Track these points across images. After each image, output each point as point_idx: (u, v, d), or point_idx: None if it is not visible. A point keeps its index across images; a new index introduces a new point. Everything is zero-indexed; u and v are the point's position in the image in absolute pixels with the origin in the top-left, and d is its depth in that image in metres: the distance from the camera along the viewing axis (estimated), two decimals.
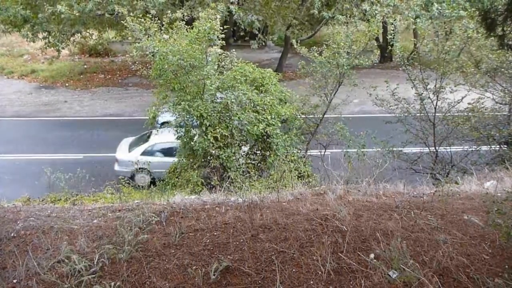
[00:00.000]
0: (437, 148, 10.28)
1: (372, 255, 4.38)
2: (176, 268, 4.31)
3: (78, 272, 4.15)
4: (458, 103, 10.23)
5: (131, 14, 11.17)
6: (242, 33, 25.19)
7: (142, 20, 9.36)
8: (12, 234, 4.92)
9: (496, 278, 3.99)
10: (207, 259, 4.41)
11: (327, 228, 4.90)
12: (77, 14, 16.07)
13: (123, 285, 4.07)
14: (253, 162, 9.61)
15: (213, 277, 4.14)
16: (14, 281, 4.12)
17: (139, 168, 11.54)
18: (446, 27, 11.16)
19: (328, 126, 11.20)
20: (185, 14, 11.42)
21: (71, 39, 20.95)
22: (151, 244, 4.66)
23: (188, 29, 9.39)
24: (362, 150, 10.41)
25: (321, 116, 11.10)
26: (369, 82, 11.21)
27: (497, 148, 10.18)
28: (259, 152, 9.94)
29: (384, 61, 25.39)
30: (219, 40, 9.09)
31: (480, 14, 8.67)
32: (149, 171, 11.36)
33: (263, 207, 5.55)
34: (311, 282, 4.09)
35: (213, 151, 8.89)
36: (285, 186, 7.22)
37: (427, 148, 10.43)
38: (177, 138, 9.78)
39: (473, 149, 10.11)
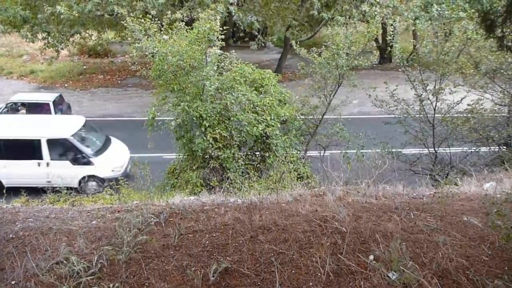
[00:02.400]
0: (436, 149, 10.28)
1: (371, 257, 4.37)
2: (175, 269, 4.30)
3: (76, 274, 4.14)
4: (458, 104, 10.24)
5: (131, 14, 11.17)
6: (241, 34, 25.20)
7: (142, 20, 9.35)
8: (10, 235, 4.91)
9: (495, 279, 3.98)
10: (206, 261, 4.40)
11: (326, 230, 4.89)
12: (76, 14, 16.07)
13: (122, 286, 4.06)
14: (252, 163, 9.60)
15: (212, 278, 4.13)
16: (13, 282, 4.11)
17: None
18: (445, 28, 11.16)
19: (328, 127, 11.20)
20: (185, 14, 11.42)
21: (71, 39, 20.92)
22: (150, 245, 4.65)
23: (187, 30, 9.38)
24: (361, 151, 10.41)
25: (320, 117, 11.09)
26: (369, 83, 11.20)
27: (497, 149, 10.19)
28: (258, 153, 9.93)
29: (383, 62, 25.40)
30: (218, 41, 9.08)
31: (480, 15, 8.67)
32: None
33: (263, 208, 5.54)
34: (311, 283, 4.09)
35: (213, 152, 8.88)
36: (285, 187, 7.21)
37: (426, 149, 10.44)
38: (177, 139, 9.76)
39: (473, 150, 10.11)
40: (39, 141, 11.40)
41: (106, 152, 12.21)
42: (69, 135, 11.72)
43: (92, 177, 11.58)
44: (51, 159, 11.48)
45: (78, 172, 11.49)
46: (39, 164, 11.22)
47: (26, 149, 11.36)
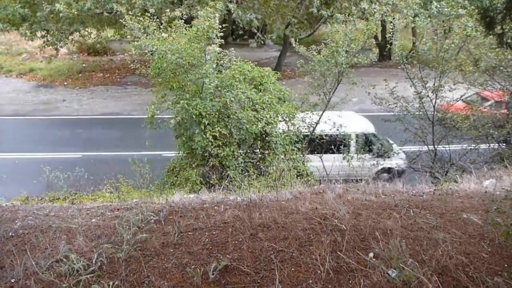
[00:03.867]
0: (436, 146, 10.28)
1: (371, 254, 4.37)
2: (175, 267, 4.30)
3: (76, 272, 4.13)
4: (457, 101, 10.24)
5: (130, 12, 11.17)
6: (241, 32, 25.21)
7: (141, 18, 9.33)
8: (10, 233, 4.91)
9: (495, 277, 3.98)
10: (206, 258, 4.40)
11: (326, 227, 4.89)
12: (75, 12, 16.04)
13: (122, 284, 4.06)
14: (252, 160, 9.60)
15: (212, 276, 4.13)
16: (12, 280, 4.11)
17: None
18: (445, 25, 11.17)
19: None
20: (184, 12, 11.41)
21: (70, 37, 20.92)
22: (150, 243, 4.65)
23: (187, 28, 9.37)
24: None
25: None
26: (368, 80, 11.19)
27: (496, 147, 10.19)
28: (258, 150, 9.93)
29: (383, 59, 25.39)
30: (218, 38, 9.06)
31: (479, 12, 8.64)
32: None
33: (262, 206, 5.54)
34: (310, 281, 4.09)
35: (212, 150, 8.88)
36: (284, 185, 7.21)
37: (426, 146, 10.44)
38: (176, 137, 9.75)
39: (472, 147, 10.12)
40: (349, 136, 11.73)
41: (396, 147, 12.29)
42: (373, 130, 12.29)
43: (386, 169, 11.85)
44: (355, 153, 11.79)
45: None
46: (344, 158, 11.17)
47: (337, 144, 11.41)
